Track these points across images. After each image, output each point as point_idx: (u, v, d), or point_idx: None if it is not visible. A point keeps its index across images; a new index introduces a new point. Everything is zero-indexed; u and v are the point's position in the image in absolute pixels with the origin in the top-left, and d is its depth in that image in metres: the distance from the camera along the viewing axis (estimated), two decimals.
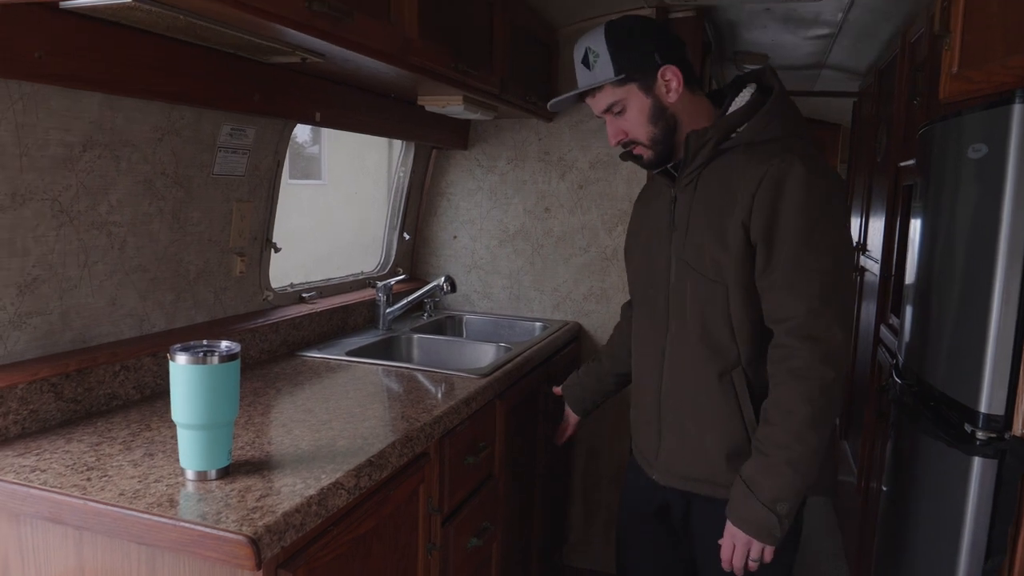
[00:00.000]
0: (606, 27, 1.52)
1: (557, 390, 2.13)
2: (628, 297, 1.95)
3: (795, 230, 1.39)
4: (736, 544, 1.46)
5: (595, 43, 1.51)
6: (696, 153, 1.51)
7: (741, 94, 1.54)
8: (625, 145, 1.58)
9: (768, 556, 1.44)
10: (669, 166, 1.59)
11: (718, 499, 1.53)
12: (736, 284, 1.46)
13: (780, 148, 1.44)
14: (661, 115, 1.52)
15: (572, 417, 2.10)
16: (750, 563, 1.45)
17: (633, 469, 1.79)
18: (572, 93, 1.58)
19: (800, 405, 1.38)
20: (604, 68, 1.50)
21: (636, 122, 1.53)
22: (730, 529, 1.47)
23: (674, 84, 1.51)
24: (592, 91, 1.55)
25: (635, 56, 1.50)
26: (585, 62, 1.52)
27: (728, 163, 1.48)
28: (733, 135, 1.49)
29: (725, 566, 1.49)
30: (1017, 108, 1.34)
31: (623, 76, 1.50)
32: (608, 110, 1.54)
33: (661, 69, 1.50)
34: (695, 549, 1.67)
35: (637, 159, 1.60)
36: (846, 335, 1.40)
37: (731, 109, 1.52)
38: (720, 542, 1.50)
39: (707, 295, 1.50)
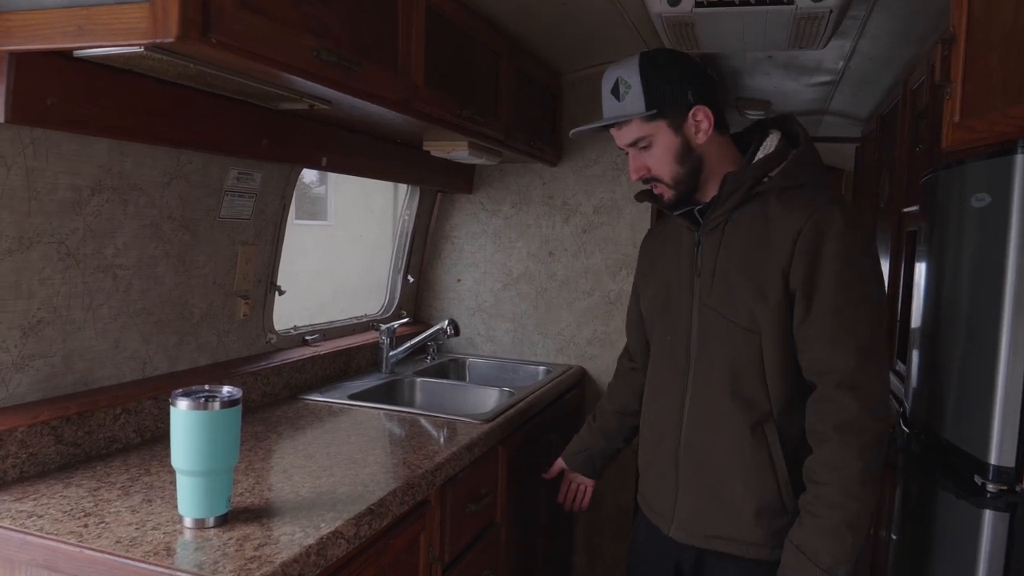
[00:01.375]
0: (640, 57, 1.46)
1: (552, 474, 2.01)
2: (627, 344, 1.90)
3: (837, 280, 1.36)
4: None
5: (627, 74, 1.46)
6: (729, 196, 1.45)
7: (768, 140, 1.50)
8: (646, 181, 1.52)
9: None
10: (696, 209, 1.53)
11: (742, 558, 1.46)
12: (772, 333, 1.41)
13: (813, 195, 1.41)
14: (688, 156, 1.47)
15: (587, 481, 1.97)
16: None
17: (644, 526, 1.67)
18: (598, 124, 1.52)
19: (852, 461, 1.32)
20: (635, 101, 1.45)
21: (661, 160, 1.47)
22: None
23: (704, 125, 1.46)
24: (619, 123, 1.49)
25: (668, 92, 1.45)
26: (615, 92, 1.47)
27: (759, 209, 1.44)
28: (765, 179, 1.45)
29: None
30: (1019, 158, 1.35)
31: (654, 112, 1.45)
32: (634, 144, 1.49)
33: (693, 109, 1.45)
34: None
35: (656, 199, 1.55)
36: (886, 386, 1.38)
37: (759, 155, 1.48)
38: None
39: (739, 344, 1.44)
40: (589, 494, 1.98)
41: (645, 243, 1.76)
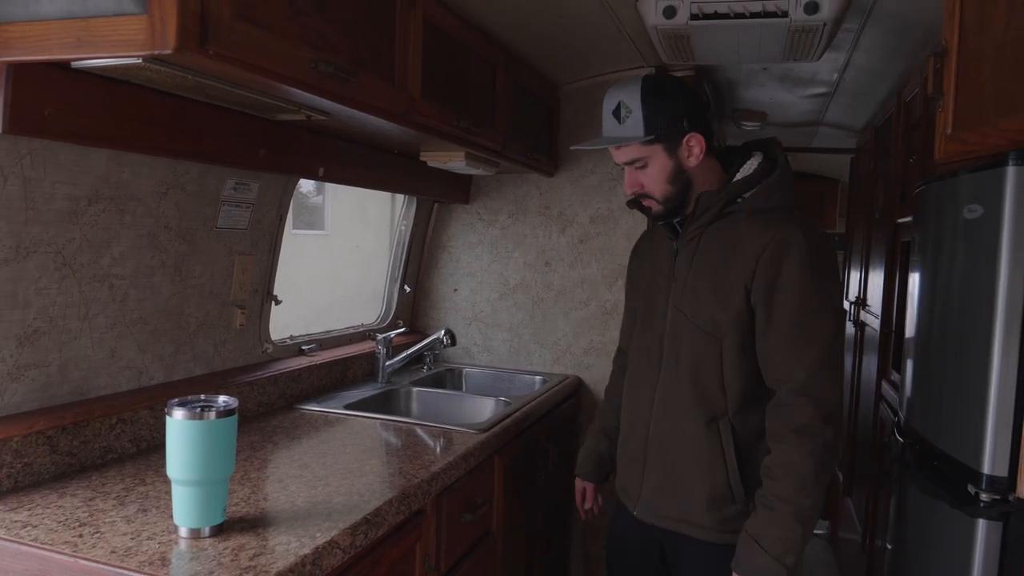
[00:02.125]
0: (643, 84, 1.55)
1: (589, 505, 2.01)
2: (620, 345, 2.01)
3: (798, 296, 1.47)
4: None
5: (629, 99, 1.55)
6: (704, 212, 1.59)
7: (748, 162, 1.61)
8: (638, 196, 1.63)
9: None
10: (675, 221, 1.66)
11: (696, 539, 1.60)
12: (732, 341, 1.54)
13: (782, 217, 1.53)
14: (679, 177, 1.59)
15: (591, 487, 2.00)
16: None
17: (623, 513, 1.79)
18: (600, 146, 1.62)
19: (804, 461, 1.44)
20: (635, 126, 1.55)
21: (655, 180, 1.59)
22: None
23: (696, 151, 1.58)
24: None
25: (665, 119, 1.55)
26: (616, 114, 1.57)
27: (732, 226, 1.57)
28: (739, 200, 1.58)
29: None
30: (1010, 170, 1.36)
31: (652, 137, 1.55)
32: (630, 163, 1.60)
33: (687, 136, 1.57)
34: None
35: (644, 210, 1.66)
36: (841, 396, 1.49)
37: (738, 176, 1.59)
38: None
39: (702, 347, 1.57)
40: (600, 503, 2.03)
41: (635, 252, 1.91)
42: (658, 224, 1.72)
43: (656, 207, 1.63)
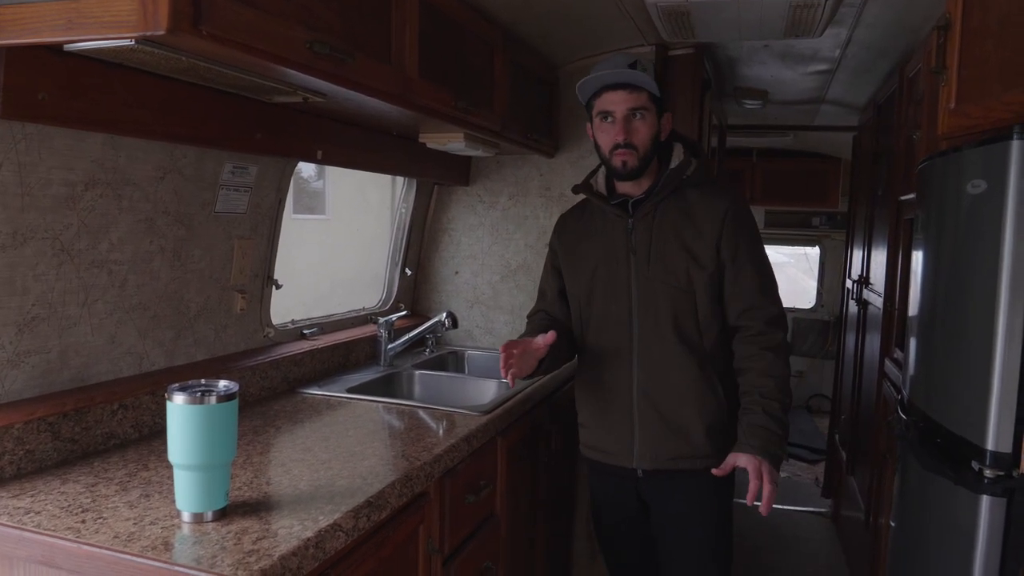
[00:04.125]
0: (645, 60, 1.83)
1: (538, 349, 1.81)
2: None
3: (754, 248, 1.83)
4: (770, 480, 1.71)
5: (644, 61, 1.82)
6: (666, 185, 1.82)
7: (676, 150, 1.88)
8: (622, 145, 1.78)
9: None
10: (621, 201, 1.86)
11: (692, 470, 1.84)
12: (705, 292, 1.80)
13: (720, 187, 1.88)
14: (656, 142, 1.84)
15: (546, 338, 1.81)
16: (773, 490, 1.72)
17: (601, 475, 2.01)
18: (624, 80, 1.76)
19: (782, 369, 1.81)
20: (651, 81, 1.79)
21: (645, 135, 1.80)
22: (767, 467, 1.71)
23: (667, 129, 1.88)
24: (635, 88, 1.78)
25: (660, 92, 1.82)
26: (634, 67, 1.78)
27: (680, 200, 1.84)
28: (685, 178, 1.84)
29: (766, 507, 1.72)
30: (1015, 144, 1.34)
31: (658, 97, 1.81)
32: (635, 109, 1.78)
33: (667, 114, 1.87)
34: (662, 521, 1.93)
35: (616, 169, 1.81)
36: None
37: (674, 161, 1.86)
38: (750, 490, 1.71)
39: (680, 302, 1.81)
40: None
41: (563, 229, 2.04)
42: (597, 205, 1.90)
43: (633, 162, 1.80)
